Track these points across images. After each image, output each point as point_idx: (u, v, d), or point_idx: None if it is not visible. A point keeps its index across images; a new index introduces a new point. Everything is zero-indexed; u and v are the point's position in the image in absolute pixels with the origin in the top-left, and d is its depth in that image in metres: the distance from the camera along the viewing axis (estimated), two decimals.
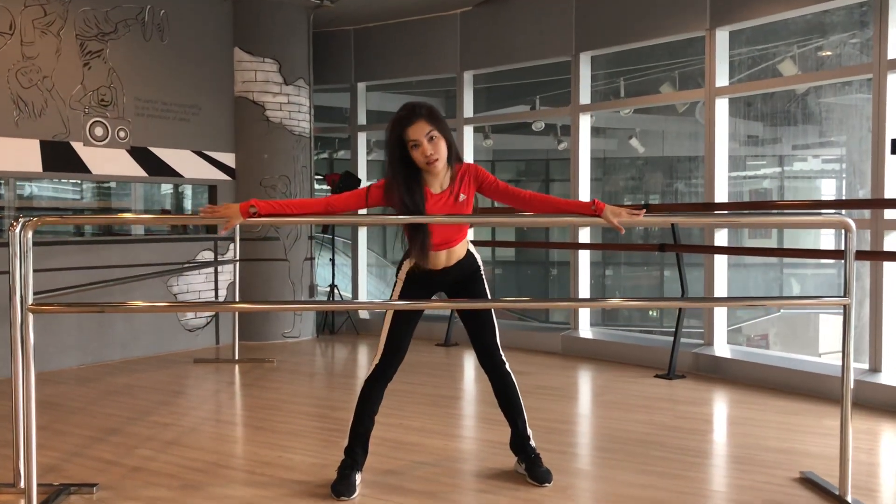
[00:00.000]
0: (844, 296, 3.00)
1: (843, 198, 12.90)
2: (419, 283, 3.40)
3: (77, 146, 6.16)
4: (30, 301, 2.98)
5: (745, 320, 12.98)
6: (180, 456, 3.89)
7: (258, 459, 3.84)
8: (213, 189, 7.20)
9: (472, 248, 3.46)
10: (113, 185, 6.81)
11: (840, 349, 3.08)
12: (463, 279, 3.42)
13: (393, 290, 3.47)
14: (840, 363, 3.06)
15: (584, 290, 6.91)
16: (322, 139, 10.00)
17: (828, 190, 16.02)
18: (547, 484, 3.40)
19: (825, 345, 12.52)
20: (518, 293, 15.17)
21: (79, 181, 6.53)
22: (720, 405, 5.11)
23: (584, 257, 6.83)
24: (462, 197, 3.22)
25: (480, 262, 3.50)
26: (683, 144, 13.54)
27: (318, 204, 3.15)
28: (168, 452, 3.95)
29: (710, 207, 5.48)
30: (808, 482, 3.41)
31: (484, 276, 3.49)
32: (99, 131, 6.30)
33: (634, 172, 14.88)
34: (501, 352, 3.53)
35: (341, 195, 3.17)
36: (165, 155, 6.75)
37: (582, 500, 3.31)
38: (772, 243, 13.71)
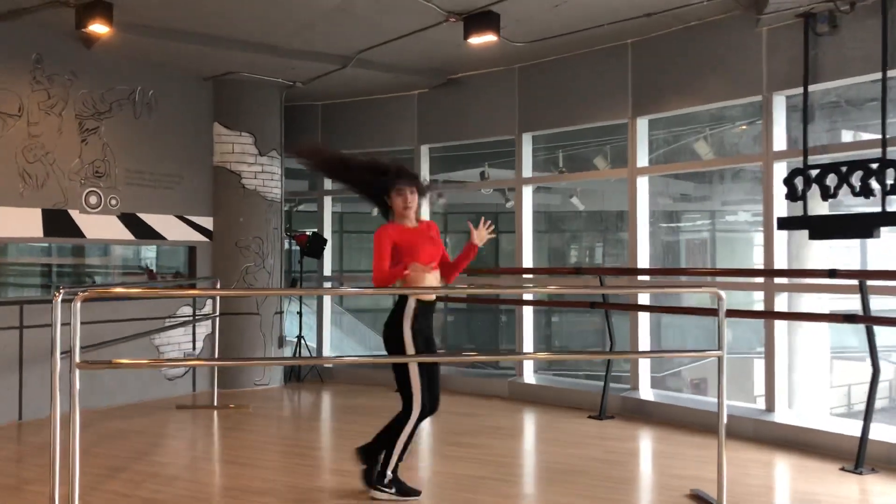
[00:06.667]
0: (718, 349, 3.90)
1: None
2: (422, 326, 4.22)
3: (74, 213, 6.86)
4: (77, 359, 3.71)
5: (685, 365, 13.97)
6: (185, 489, 4.60)
7: (254, 490, 4.56)
8: (192, 249, 7.92)
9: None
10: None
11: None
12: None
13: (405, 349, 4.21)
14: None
15: (528, 341, 7.74)
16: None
17: (758, 241, 17.34)
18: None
19: (759, 388, 13.54)
20: (469, 338, 15.97)
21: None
22: (643, 441, 5.97)
23: (528, 312, 7.69)
24: (432, 233, 4.33)
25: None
26: (620, 200, 14.62)
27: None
28: (174, 486, 4.65)
29: (633, 272, 6.45)
30: (697, 497, 4.30)
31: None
32: (93, 200, 7.00)
33: (577, 226, 15.95)
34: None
35: (382, 265, 4.15)
36: (151, 220, 7.46)
37: None
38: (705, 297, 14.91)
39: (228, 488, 4.70)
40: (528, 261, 7.62)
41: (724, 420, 3.93)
